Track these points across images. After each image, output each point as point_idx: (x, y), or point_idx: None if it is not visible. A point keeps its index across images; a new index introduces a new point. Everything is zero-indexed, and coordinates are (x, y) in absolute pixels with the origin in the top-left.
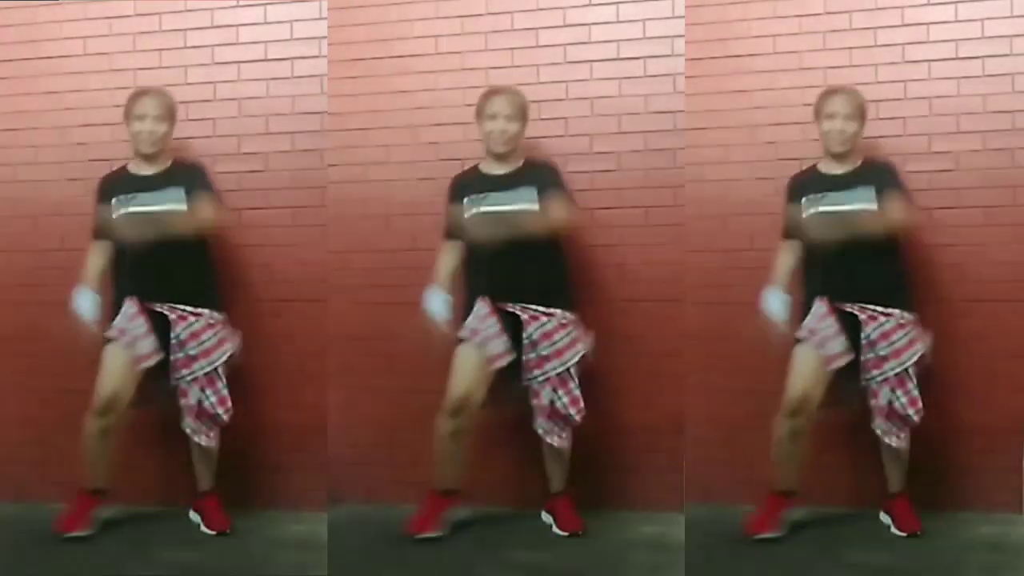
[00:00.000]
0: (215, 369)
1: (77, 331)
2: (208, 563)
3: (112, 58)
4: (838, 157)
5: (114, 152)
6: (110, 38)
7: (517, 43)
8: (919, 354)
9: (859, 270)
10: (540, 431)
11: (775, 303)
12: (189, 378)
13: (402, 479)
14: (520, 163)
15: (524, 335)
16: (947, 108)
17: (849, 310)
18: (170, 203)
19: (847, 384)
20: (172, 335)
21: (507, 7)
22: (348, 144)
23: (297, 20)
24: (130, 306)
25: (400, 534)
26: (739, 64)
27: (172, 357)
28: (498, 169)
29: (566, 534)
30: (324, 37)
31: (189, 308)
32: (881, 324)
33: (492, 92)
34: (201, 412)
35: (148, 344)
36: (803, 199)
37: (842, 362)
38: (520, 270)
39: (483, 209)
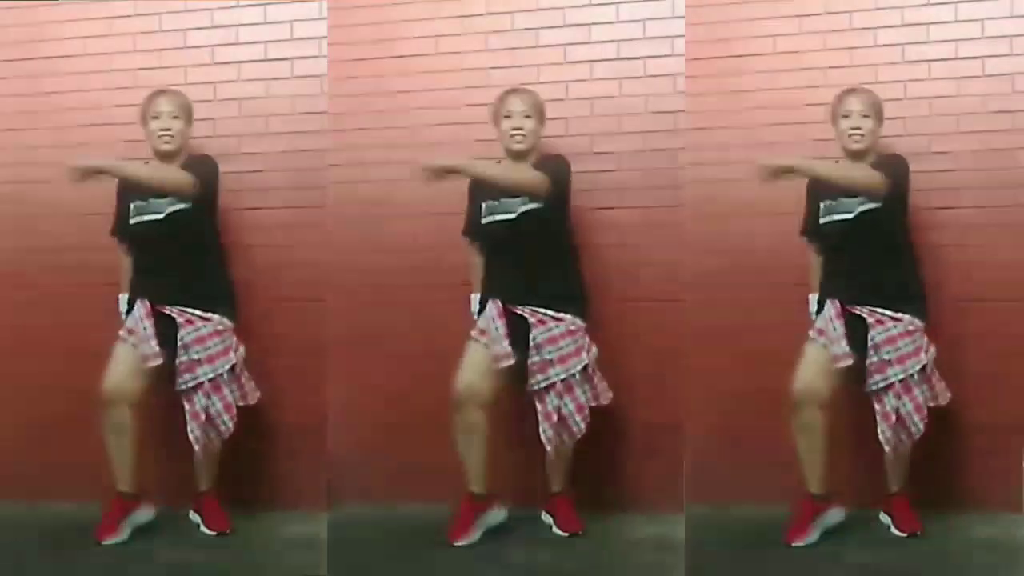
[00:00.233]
0: (221, 376)
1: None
2: (208, 563)
3: (112, 58)
4: (855, 156)
5: (114, 152)
6: (110, 38)
7: (517, 43)
8: (924, 363)
9: (872, 273)
10: (544, 438)
11: (811, 305)
12: (192, 383)
13: (402, 479)
14: (534, 163)
15: (531, 338)
16: (947, 108)
17: (858, 312)
18: (176, 203)
19: (853, 387)
20: (179, 338)
21: (507, 7)
22: (348, 144)
23: (297, 20)
24: (140, 307)
25: (401, 533)
26: (739, 64)
27: (176, 361)
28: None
29: (566, 534)
30: (324, 37)
31: (198, 312)
32: (888, 329)
33: (507, 92)
34: (207, 419)
35: (152, 345)
36: (820, 203)
37: (844, 363)
38: (533, 274)
39: (498, 218)
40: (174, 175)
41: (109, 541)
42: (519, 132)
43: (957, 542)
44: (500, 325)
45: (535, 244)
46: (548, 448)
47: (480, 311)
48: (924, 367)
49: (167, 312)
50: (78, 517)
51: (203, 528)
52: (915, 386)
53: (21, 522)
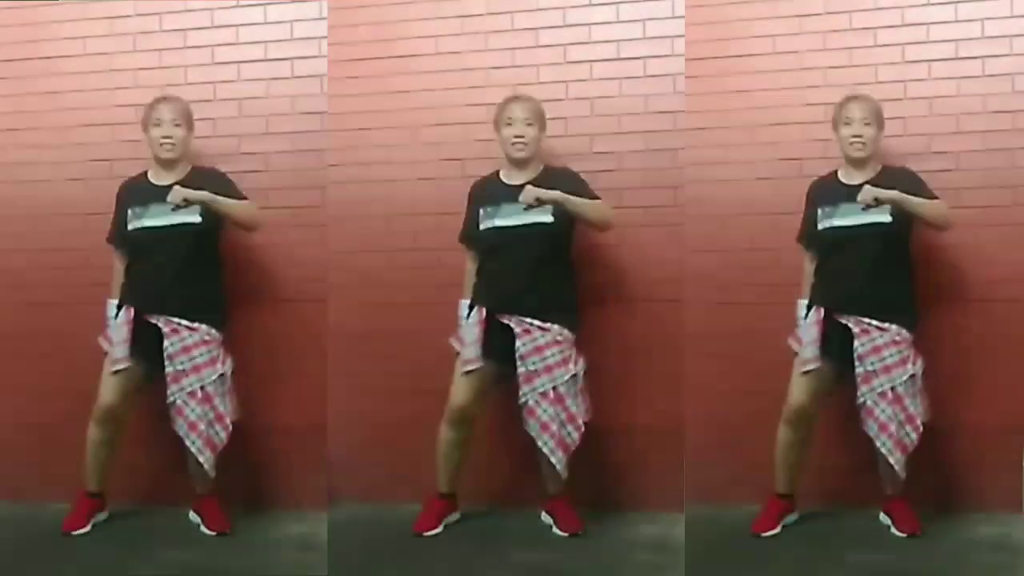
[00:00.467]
0: (208, 386)
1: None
2: (208, 563)
3: (112, 58)
4: (857, 164)
5: (114, 152)
6: (110, 38)
7: (517, 43)
8: (911, 374)
9: (862, 283)
10: (545, 450)
11: (800, 311)
12: (182, 394)
13: (402, 479)
14: (539, 171)
15: (516, 348)
16: (947, 108)
17: (844, 322)
18: (183, 215)
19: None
20: (164, 348)
21: (507, 7)
22: (348, 144)
23: (297, 20)
24: (124, 313)
25: (401, 533)
26: (739, 64)
27: (165, 371)
28: (517, 178)
29: (566, 535)
30: (324, 37)
31: (184, 322)
32: (873, 339)
33: (509, 99)
34: (203, 429)
35: (123, 350)
36: (819, 209)
37: (810, 367)
38: (522, 283)
39: (496, 223)
40: (252, 211)
41: (77, 532)
42: (520, 140)
43: (957, 542)
44: (476, 332)
45: (531, 254)
46: (553, 460)
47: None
48: (913, 377)
49: (152, 321)
50: None
51: (203, 528)
52: (905, 396)
53: (21, 522)
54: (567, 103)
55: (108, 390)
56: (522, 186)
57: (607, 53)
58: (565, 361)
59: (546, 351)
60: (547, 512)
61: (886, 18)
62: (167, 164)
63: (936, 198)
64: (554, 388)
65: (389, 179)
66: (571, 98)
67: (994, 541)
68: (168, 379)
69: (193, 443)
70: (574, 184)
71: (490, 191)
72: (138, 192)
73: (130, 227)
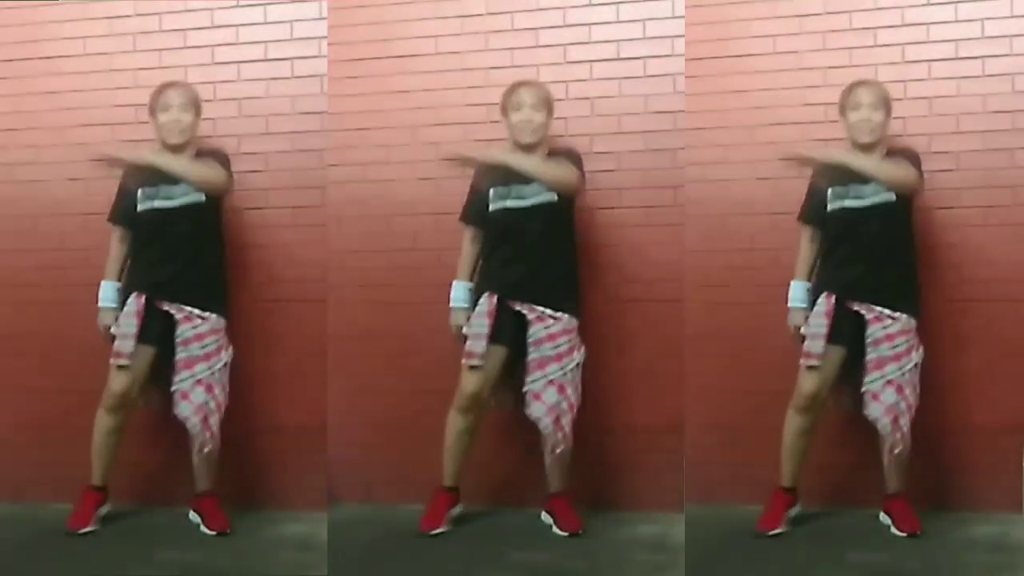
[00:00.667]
0: (214, 374)
1: (104, 335)
2: (208, 563)
3: (112, 58)
4: (865, 149)
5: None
6: (110, 38)
7: (517, 43)
8: (915, 363)
9: (874, 267)
10: (547, 433)
11: (799, 292)
12: (191, 380)
13: (402, 479)
14: (544, 156)
15: (528, 335)
16: (947, 108)
17: (856, 309)
18: (192, 194)
19: (849, 384)
20: (176, 335)
21: (507, 7)
22: (348, 144)
23: (297, 20)
24: (134, 301)
25: (401, 533)
26: (739, 64)
27: (176, 357)
28: None
29: (566, 534)
30: (324, 37)
31: (197, 310)
32: (885, 326)
33: (516, 85)
34: (205, 415)
35: (129, 344)
36: (828, 189)
37: (813, 362)
38: (533, 269)
39: (508, 205)
40: (211, 171)
41: (83, 531)
42: (528, 125)
43: (957, 542)
44: (486, 323)
45: (542, 236)
46: (557, 441)
47: (468, 299)
48: (916, 365)
49: (165, 309)
50: None
51: (203, 528)
52: (907, 385)
53: (20, 523)
54: (567, 103)
55: (119, 376)
56: None
57: (607, 53)
58: (572, 350)
59: (558, 339)
60: (547, 511)
61: (886, 18)
62: (175, 149)
63: (915, 162)
64: (559, 375)
65: (389, 179)
66: (571, 98)
67: (993, 541)
68: (179, 365)
69: (194, 426)
70: (567, 157)
71: (500, 172)
72: (148, 173)
73: (141, 208)
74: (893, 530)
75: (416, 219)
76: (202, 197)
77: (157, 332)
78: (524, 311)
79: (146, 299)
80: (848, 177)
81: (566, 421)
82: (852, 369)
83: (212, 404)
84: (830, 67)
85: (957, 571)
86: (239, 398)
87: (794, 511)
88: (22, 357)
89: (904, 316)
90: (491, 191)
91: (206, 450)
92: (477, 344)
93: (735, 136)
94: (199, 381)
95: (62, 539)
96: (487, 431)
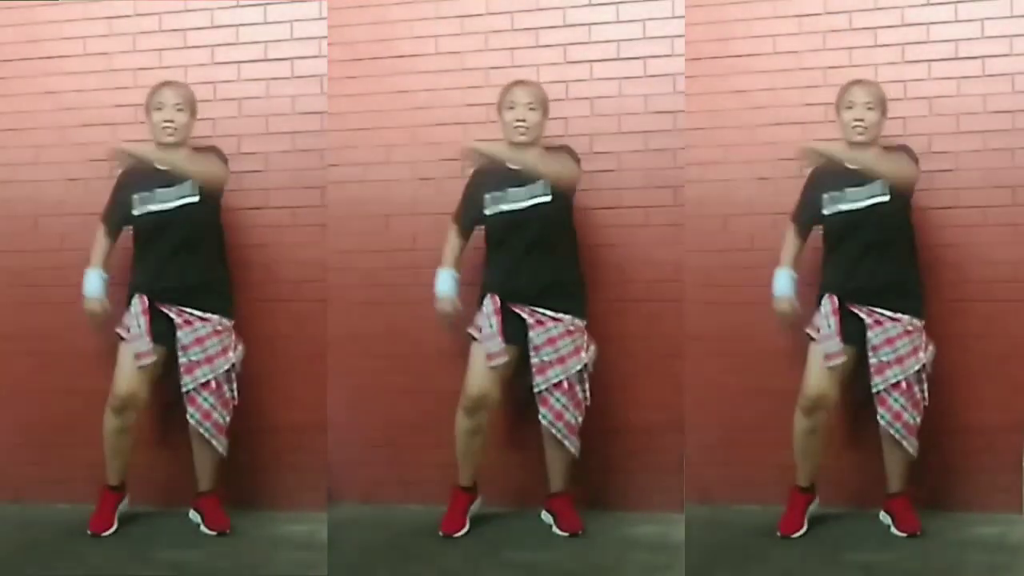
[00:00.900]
0: (219, 376)
1: (91, 323)
2: (208, 563)
3: (112, 58)
4: (859, 148)
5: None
6: (110, 38)
7: (517, 43)
8: (922, 363)
9: (874, 269)
10: (559, 436)
11: (783, 281)
12: (193, 384)
13: (402, 479)
14: (541, 154)
15: (528, 339)
16: (947, 108)
17: (856, 311)
18: (187, 195)
19: (858, 384)
20: (176, 339)
21: (507, 7)
22: (348, 144)
23: (297, 20)
24: (137, 303)
25: (401, 533)
26: (739, 64)
27: (179, 362)
28: (519, 163)
29: (566, 534)
30: (324, 37)
31: (197, 312)
32: (886, 329)
33: (513, 84)
34: (215, 417)
35: (146, 343)
36: (824, 194)
37: (837, 362)
38: (534, 272)
39: (503, 208)
40: (211, 167)
41: (106, 533)
42: (523, 124)
43: (957, 542)
44: (495, 322)
45: (539, 239)
46: (567, 444)
47: (454, 288)
48: (924, 366)
49: (164, 311)
50: (78, 518)
51: (203, 528)
52: (915, 384)
53: (20, 523)
54: (567, 103)
55: (125, 378)
56: (523, 170)
57: (607, 53)
58: (577, 351)
59: (559, 342)
60: (547, 511)
61: (886, 18)
62: (169, 149)
63: (911, 159)
64: (564, 378)
65: (388, 179)
66: (571, 98)
67: (993, 541)
68: (182, 369)
69: (207, 430)
70: (560, 160)
71: (497, 176)
72: (142, 177)
73: (137, 213)
74: (893, 530)
75: (416, 219)
76: (198, 198)
77: (162, 333)
78: (524, 315)
79: (148, 301)
80: (843, 179)
81: (573, 422)
82: (860, 369)
83: (219, 406)
84: (830, 67)
85: (957, 571)
86: (239, 398)
87: (813, 507)
88: (22, 357)
89: (906, 317)
90: (486, 196)
91: (211, 452)
92: (493, 344)
93: (735, 136)
94: (204, 384)
95: (62, 539)
96: (487, 431)
